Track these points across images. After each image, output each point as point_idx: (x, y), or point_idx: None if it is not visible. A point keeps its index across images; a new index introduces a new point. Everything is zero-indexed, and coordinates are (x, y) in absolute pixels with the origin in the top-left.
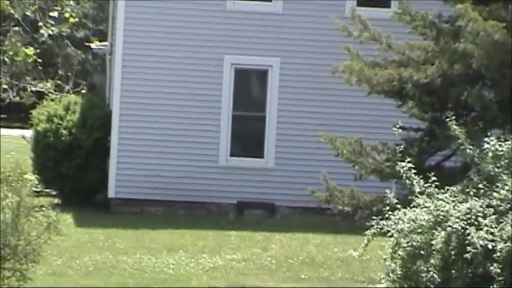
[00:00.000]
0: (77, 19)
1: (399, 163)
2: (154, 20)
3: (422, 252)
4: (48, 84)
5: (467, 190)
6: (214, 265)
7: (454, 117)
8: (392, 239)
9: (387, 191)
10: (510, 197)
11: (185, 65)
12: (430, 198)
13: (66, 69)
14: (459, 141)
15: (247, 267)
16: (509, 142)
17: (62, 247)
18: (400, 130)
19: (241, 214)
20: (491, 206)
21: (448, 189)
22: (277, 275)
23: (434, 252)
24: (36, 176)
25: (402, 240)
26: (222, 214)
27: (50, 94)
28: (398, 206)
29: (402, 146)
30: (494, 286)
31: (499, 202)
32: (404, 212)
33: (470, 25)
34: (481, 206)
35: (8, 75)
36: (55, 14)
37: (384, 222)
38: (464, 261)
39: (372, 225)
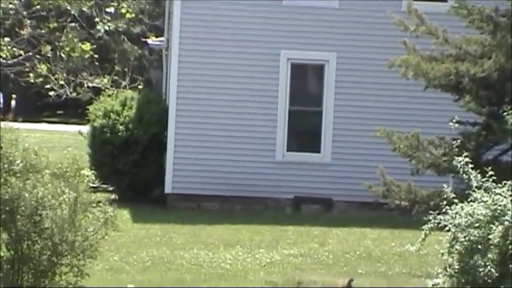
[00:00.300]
0: (133, 15)
1: (456, 157)
2: (210, 16)
3: (479, 246)
4: (105, 80)
5: None
6: (271, 260)
7: (511, 111)
8: (449, 233)
9: (444, 185)
10: None
11: (242, 60)
12: (488, 193)
13: (123, 64)
14: None
15: (304, 262)
16: None
17: (119, 243)
18: (457, 124)
19: (298, 209)
20: None
21: (505, 184)
22: (334, 270)
23: (491, 247)
24: (93, 171)
25: (459, 234)
26: (278, 209)
27: (106, 90)
28: (456, 200)
29: (459, 141)
30: None
31: None
32: (462, 207)
33: None
34: None
35: (65, 71)
36: (111, 9)
37: (441, 216)
38: None
39: (429, 220)
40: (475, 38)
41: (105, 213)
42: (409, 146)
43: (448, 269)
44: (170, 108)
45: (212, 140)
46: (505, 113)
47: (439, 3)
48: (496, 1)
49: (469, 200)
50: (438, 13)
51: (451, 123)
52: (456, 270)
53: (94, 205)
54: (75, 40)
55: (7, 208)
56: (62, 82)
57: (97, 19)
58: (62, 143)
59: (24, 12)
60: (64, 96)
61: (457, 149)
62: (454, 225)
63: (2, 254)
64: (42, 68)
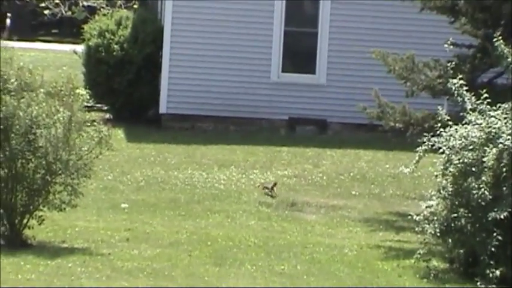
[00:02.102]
0: None
1: (451, 80)
2: None
3: (473, 169)
4: None
5: None
6: (265, 181)
7: (506, 34)
8: (443, 155)
9: (439, 107)
10: None
11: None
12: (482, 115)
13: None
14: (509, 59)
15: (298, 183)
16: None
17: (113, 162)
18: (452, 46)
19: (292, 130)
20: None
21: (500, 106)
22: (328, 191)
23: (485, 169)
24: (88, 91)
25: (453, 157)
26: (273, 130)
27: (101, 9)
28: (450, 122)
29: (454, 63)
30: None
31: None
32: (456, 129)
33: None
34: None
35: None
36: None
37: (435, 139)
38: None
39: (424, 142)
40: None
41: (99, 133)
42: (404, 67)
43: (441, 191)
44: (165, 28)
45: (207, 60)
46: (494, 39)
47: None
48: None
49: (463, 122)
50: None
51: (446, 45)
52: (450, 193)
53: (88, 124)
54: None
55: (1, 127)
56: (57, 1)
57: None
58: (57, 62)
59: None
60: (59, 15)
61: (452, 71)
62: (448, 147)
63: None
64: None
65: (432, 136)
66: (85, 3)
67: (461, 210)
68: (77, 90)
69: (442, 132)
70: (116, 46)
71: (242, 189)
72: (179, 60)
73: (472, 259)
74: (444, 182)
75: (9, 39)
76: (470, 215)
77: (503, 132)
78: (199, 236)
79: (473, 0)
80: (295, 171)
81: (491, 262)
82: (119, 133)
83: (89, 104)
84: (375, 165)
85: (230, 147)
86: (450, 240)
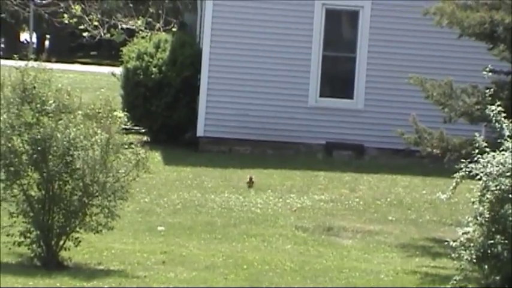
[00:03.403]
0: None
1: (489, 106)
2: None
3: (510, 196)
4: (139, 22)
5: None
6: (301, 205)
7: None
8: (480, 182)
9: (476, 134)
10: None
11: (276, 4)
12: None
13: (157, 7)
14: None
15: (335, 207)
16: None
17: (150, 185)
18: (490, 73)
19: (329, 155)
20: None
21: None
22: (365, 216)
23: None
24: (126, 113)
25: (491, 183)
26: (310, 154)
27: (140, 32)
28: (487, 149)
29: (492, 89)
30: None
31: None
32: (493, 156)
33: None
34: None
35: (99, 12)
36: None
37: (472, 165)
38: None
39: (461, 168)
40: None
41: (136, 155)
42: (442, 93)
43: (478, 218)
44: (204, 51)
45: (245, 84)
46: None
47: None
48: None
49: (500, 149)
50: None
51: (485, 72)
52: (486, 219)
53: (126, 147)
54: None
55: (39, 148)
56: (96, 23)
57: None
58: (95, 84)
59: None
60: (98, 38)
61: (490, 98)
62: (486, 174)
63: (33, 194)
64: (77, 9)
65: (469, 162)
66: (124, 26)
67: (498, 236)
68: (115, 113)
69: (480, 159)
70: (154, 69)
71: (279, 213)
72: (217, 83)
73: (509, 286)
74: (481, 208)
75: (48, 60)
76: (506, 241)
77: None
78: (235, 259)
79: None
80: (332, 195)
81: None
82: (156, 156)
83: (126, 127)
84: (412, 191)
85: (267, 171)
86: (486, 266)
